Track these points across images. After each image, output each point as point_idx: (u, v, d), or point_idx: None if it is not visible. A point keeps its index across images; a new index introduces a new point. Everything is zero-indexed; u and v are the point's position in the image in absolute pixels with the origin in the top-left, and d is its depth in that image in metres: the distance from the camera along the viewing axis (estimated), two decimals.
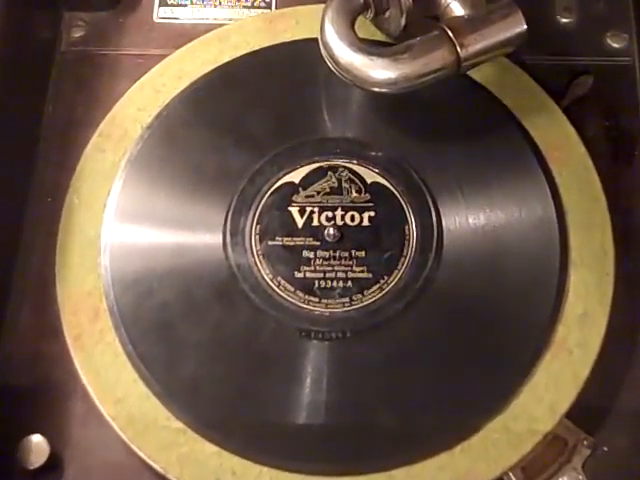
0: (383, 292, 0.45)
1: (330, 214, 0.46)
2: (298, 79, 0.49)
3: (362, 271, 0.45)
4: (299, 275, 0.45)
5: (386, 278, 0.45)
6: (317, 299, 0.45)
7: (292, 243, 0.46)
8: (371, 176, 0.47)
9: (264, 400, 0.43)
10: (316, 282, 0.45)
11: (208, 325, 0.44)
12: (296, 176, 0.47)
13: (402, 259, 0.45)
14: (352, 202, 0.47)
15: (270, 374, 0.43)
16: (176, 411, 0.43)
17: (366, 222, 0.46)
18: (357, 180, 0.47)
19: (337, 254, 0.46)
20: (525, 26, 0.44)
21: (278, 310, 0.44)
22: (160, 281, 0.45)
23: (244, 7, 0.54)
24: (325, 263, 0.45)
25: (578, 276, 0.45)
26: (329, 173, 0.47)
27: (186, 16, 0.54)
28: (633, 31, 0.53)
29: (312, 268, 0.45)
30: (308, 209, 0.46)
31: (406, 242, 0.46)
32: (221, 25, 0.52)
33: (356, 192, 0.47)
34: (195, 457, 0.42)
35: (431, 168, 0.47)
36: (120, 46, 0.53)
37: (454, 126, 0.49)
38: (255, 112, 0.48)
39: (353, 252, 0.46)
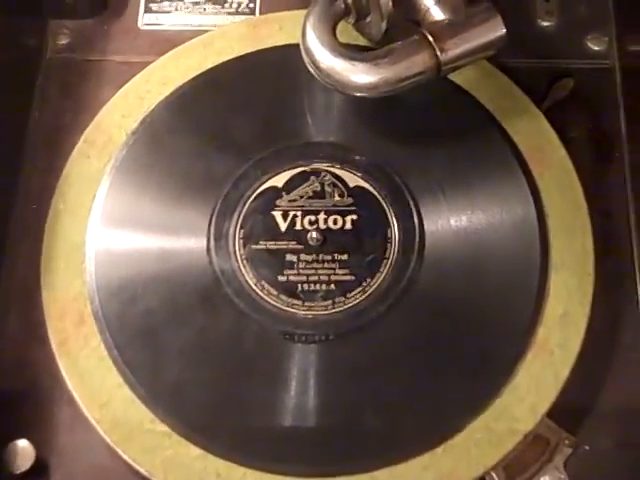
0: (366, 294, 0.45)
1: (313, 218, 0.47)
2: (282, 84, 0.49)
3: (345, 274, 0.46)
4: (282, 279, 0.46)
5: (369, 280, 0.45)
6: (300, 302, 0.45)
7: (275, 247, 0.46)
8: (354, 180, 0.48)
9: (248, 403, 0.43)
10: (299, 285, 0.45)
11: (192, 330, 0.44)
12: (279, 180, 0.48)
13: (385, 261, 0.46)
14: (335, 206, 0.47)
15: (254, 377, 0.44)
16: (161, 414, 0.43)
17: (349, 225, 0.47)
18: (340, 184, 0.47)
19: (320, 257, 0.46)
20: (504, 30, 0.44)
21: (262, 314, 0.45)
22: (145, 286, 0.45)
23: (228, 13, 0.54)
24: (308, 266, 0.46)
25: (559, 277, 0.45)
26: (312, 177, 0.48)
27: (171, 23, 0.54)
28: (613, 34, 0.54)
29: (295, 272, 0.46)
30: (291, 213, 0.47)
31: (388, 245, 0.46)
32: (206, 31, 0.52)
33: (339, 196, 0.47)
34: (180, 460, 0.42)
35: (413, 171, 0.48)
36: (105, 53, 0.54)
37: (436, 130, 0.49)
38: (239, 117, 0.49)
39: (336, 255, 0.46)
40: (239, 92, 0.49)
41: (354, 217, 0.47)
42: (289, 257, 0.46)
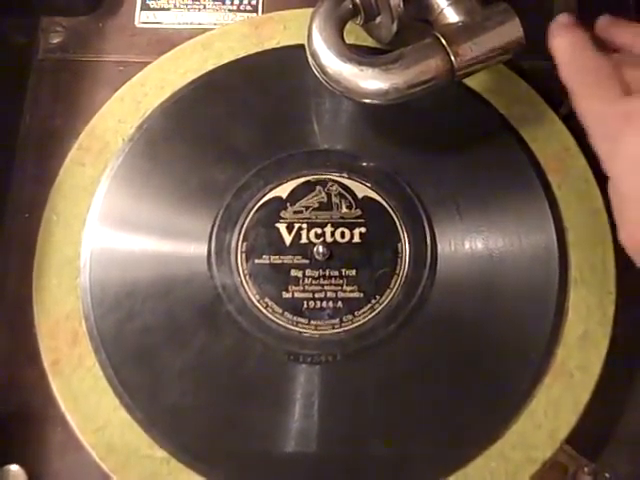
0: (375, 312, 0.43)
1: (319, 230, 0.44)
2: (286, 88, 0.47)
3: (353, 291, 0.43)
4: (287, 295, 0.43)
5: (378, 298, 0.43)
6: (306, 320, 0.43)
7: (280, 261, 0.44)
8: (363, 190, 0.45)
9: (251, 428, 0.41)
10: (305, 303, 0.43)
11: (192, 349, 0.42)
12: (283, 191, 0.45)
13: (395, 277, 0.43)
14: (342, 218, 0.45)
15: (257, 400, 0.42)
16: (160, 440, 0.41)
17: (357, 239, 0.44)
18: (348, 195, 0.45)
19: (327, 273, 0.44)
20: (522, 33, 0.42)
21: (265, 333, 0.43)
22: (142, 303, 0.43)
23: (229, 11, 0.52)
24: (314, 282, 0.44)
25: (578, 295, 0.43)
26: (318, 187, 0.45)
27: (169, 21, 0.52)
28: None
29: (301, 288, 0.43)
30: (296, 225, 0.44)
31: (399, 260, 0.44)
32: (206, 30, 0.49)
33: (346, 207, 0.45)
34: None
35: (426, 181, 0.45)
36: (100, 52, 0.51)
37: (449, 137, 0.47)
38: (240, 123, 0.46)
39: (343, 271, 0.44)
40: (240, 96, 0.47)
41: (362, 230, 0.44)
42: (294, 272, 0.44)
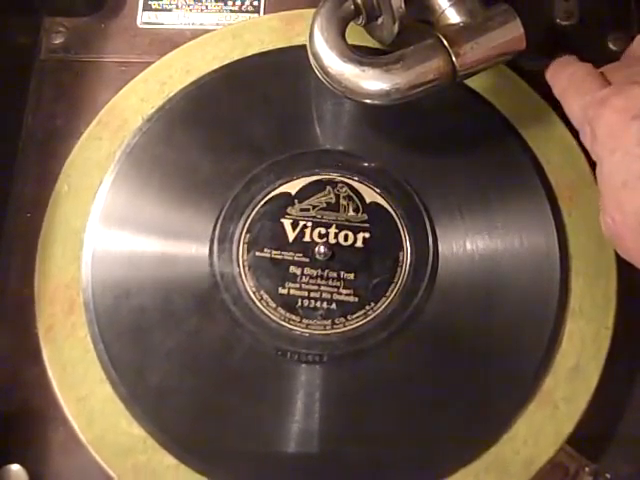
0: (368, 318, 0.43)
1: (323, 231, 0.44)
2: (307, 86, 0.47)
3: (349, 294, 0.43)
4: (283, 291, 0.43)
5: (373, 304, 0.43)
6: (298, 318, 0.43)
7: (280, 257, 0.44)
8: (371, 195, 0.45)
9: (229, 418, 0.41)
10: (299, 300, 0.43)
11: (183, 333, 0.43)
12: (293, 187, 0.45)
13: (392, 286, 0.43)
14: (348, 221, 0.45)
15: (239, 391, 0.42)
16: (139, 417, 0.41)
17: (360, 243, 0.44)
18: (356, 198, 0.45)
19: (325, 273, 0.44)
20: (523, 34, 0.41)
21: (256, 325, 0.43)
22: (140, 283, 0.43)
23: (231, 12, 0.52)
24: (311, 281, 0.44)
25: (575, 326, 0.43)
26: (328, 187, 0.45)
27: (171, 21, 0.52)
28: (636, 33, 0.50)
29: (297, 285, 0.43)
30: (301, 223, 0.45)
31: (399, 269, 0.44)
32: (208, 31, 0.49)
33: (353, 211, 0.45)
34: (152, 467, 0.41)
35: (434, 192, 0.45)
36: (102, 53, 0.51)
37: (458, 144, 0.46)
38: (259, 116, 0.46)
39: (342, 273, 0.44)
40: (262, 89, 0.47)
41: (366, 235, 0.44)
42: (293, 269, 0.44)
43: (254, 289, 0.43)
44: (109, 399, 0.42)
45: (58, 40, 0.51)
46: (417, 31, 0.43)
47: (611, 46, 0.51)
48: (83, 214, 0.45)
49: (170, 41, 0.51)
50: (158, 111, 0.47)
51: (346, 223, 0.45)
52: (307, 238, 0.44)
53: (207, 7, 0.52)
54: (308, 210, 0.45)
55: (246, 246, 0.44)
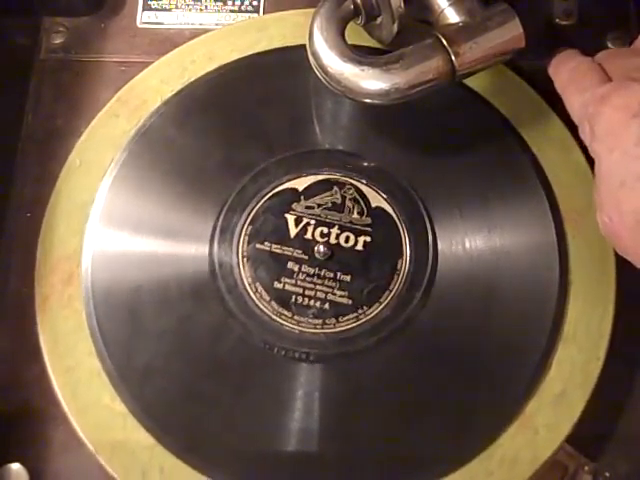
0: (358, 322, 0.43)
1: (325, 230, 0.44)
2: (325, 85, 0.47)
3: (343, 296, 0.43)
4: (278, 285, 0.44)
5: (365, 309, 0.43)
6: (290, 314, 0.43)
7: (280, 251, 0.44)
8: (377, 200, 0.45)
9: (210, 404, 0.42)
10: (293, 297, 0.43)
11: (175, 317, 0.43)
12: (301, 184, 0.45)
13: (387, 292, 0.43)
14: (351, 223, 0.45)
15: (224, 380, 0.42)
16: (122, 394, 0.42)
17: (360, 246, 0.44)
18: (362, 201, 0.45)
19: (322, 273, 0.44)
20: (522, 33, 0.41)
21: (248, 316, 0.43)
22: (140, 263, 0.44)
23: (231, 11, 0.52)
24: (308, 279, 0.44)
25: (566, 352, 0.42)
26: (335, 188, 0.45)
27: (171, 21, 0.52)
28: (634, 33, 0.49)
29: (293, 281, 0.44)
30: (305, 220, 0.45)
31: (395, 276, 0.43)
32: (207, 31, 0.50)
33: (358, 213, 0.45)
34: (129, 445, 0.41)
35: (438, 200, 0.45)
36: (102, 52, 0.51)
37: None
38: (273, 111, 0.47)
39: (339, 274, 0.44)
40: (280, 83, 0.47)
41: (367, 239, 0.44)
42: (291, 265, 0.44)
43: (250, 280, 0.44)
44: (95, 372, 0.42)
45: (58, 40, 0.51)
46: (416, 31, 0.43)
47: (610, 46, 0.50)
48: (91, 189, 0.46)
49: (170, 41, 0.51)
50: (176, 95, 0.47)
51: (349, 225, 0.45)
52: (309, 236, 0.44)
53: (206, 7, 0.52)
54: (313, 208, 0.45)
55: (247, 237, 0.44)
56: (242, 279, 0.44)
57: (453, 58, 0.40)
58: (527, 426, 0.41)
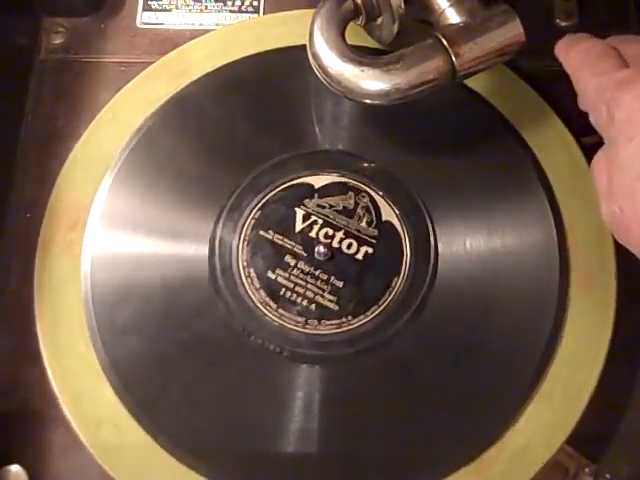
0: (339, 330, 0.43)
1: (331, 232, 0.44)
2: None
3: (331, 301, 0.43)
4: (271, 275, 0.44)
5: (350, 318, 0.43)
6: (275, 306, 0.43)
7: (281, 243, 0.44)
8: (389, 214, 0.45)
9: (185, 379, 0.42)
10: (283, 290, 0.43)
11: (166, 287, 0.43)
12: (318, 181, 0.45)
13: (375, 307, 0.43)
14: (357, 231, 0.44)
15: (196, 356, 0.42)
16: (99, 349, 0.42)
17: (360, 256, 0.44)
18: (373, 212, 0.45)
19: (317, 273, 0.44)
20: (523, 34, 0.41)
21: (234, 298, 0.43)
22: (145, 223, 0.44)
23: (231, 12, 0.52)
24: (301, 276, 0.44)
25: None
26: (350, 192, 0.45)
27: (171, 21, 0.52)
28: (635, 33, 0.46)
29: (286, 275, 0.44)
30: (313, 217, 0.45)
31: (387, 293, 0.43)
32: (207, 31, 0.50)
33: (366, 223, 0.44)
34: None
35: (447, 222, 0.44)
36: (102, 53, 0.51)
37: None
38: (304, 105, 0.47)
39: (332, 278, 0.43)
40: (313, 80, 0.46)
41: (370, 250, 0.44)
42: (288, 258, 0.44)
43: (245, 264, 0.44)
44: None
45: (58, 40, 0.51)
46: (417, 31, 0.42)
47: None
48: (119, 141, 0.46)
49: (170, 41, 0.51)
50: (217, 71, 0.47)
51: (355, 232, 0.44)
52: (313, 234, 0.44)
53: (207, 7, 0.52)
54: (324, 208, 0.45)
55: (254, 222, 0.45)
56: (238, 261, 0.44)
57: (453, 58, 0.40)
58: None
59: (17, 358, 0.44)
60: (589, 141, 0.45)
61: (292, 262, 0.44)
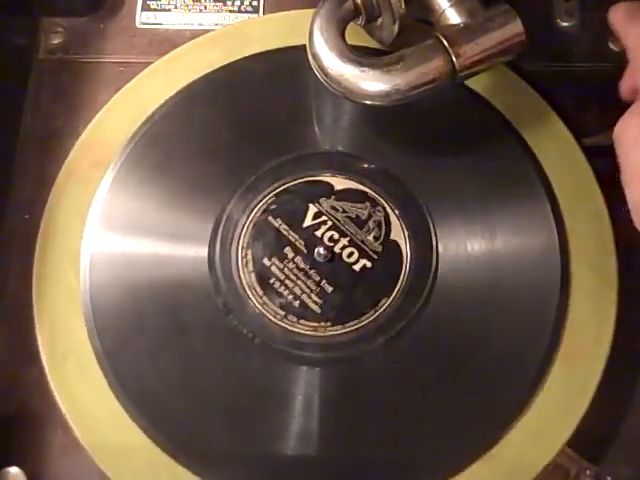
0: (315, 333, 0.42)
1: (336, 236, 0.44)
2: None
3: (315, 303, 0.43)
4: (266, 262, 0.44)
5: (328, 324, 0.42)
6: (261, 292, 0.43)
7: (285, 233, 0.44)
8: (398, 234, 0.44)
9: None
10: (273, 279, 0.43)
11: (161, 254, 0.44)
12: (339, 183, 0.45)
13: (354, 322, 0.42)
14: (362, 242, 0.44)
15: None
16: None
17: (357, 267, 0.43)
18: (384, 228, 0.44)
19: (310, 272, 0.43)
20: (524, 34, 0.41)
21: (223, 275, 0.43)
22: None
23: (230, 12, 0.51)
24: (294, 271, 0.43)
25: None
26: (367, 203, 0.45)
27: (170, 22, 0.51)
28: None
29: (281, 266, 0.44)
30: (323, 217, 0.44)
31: (372, 312, 0.42)
32: (207, 31, 0.49)
33: (373, 237, 0.44)
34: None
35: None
36: (101, 53, 0.51)
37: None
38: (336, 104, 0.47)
39: (324, 282, 0.43)
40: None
41: (368, 264, 0.43)
42: (288, 250, 0.44)
43: (244, 245, 0.44)
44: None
45: (56, 40, 0.51)
46: (417, 31, 0.42)
47: (612, 47, 0.50)
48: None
49: (169, 41, 0.51)
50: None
51: (359, 243, 0.44)
52: (318, 233, 0.44)
53: (206, 7, 0.52)
54: (337, 211, 0.45)
55: (264, 207, 0.45)
56: (238, 240, 0.44)
57: (454, 59, 0.40)
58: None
59: (16, 359, 0.44)
60: (589, 142, 0.45)
61: (290, 255, 0.44)
